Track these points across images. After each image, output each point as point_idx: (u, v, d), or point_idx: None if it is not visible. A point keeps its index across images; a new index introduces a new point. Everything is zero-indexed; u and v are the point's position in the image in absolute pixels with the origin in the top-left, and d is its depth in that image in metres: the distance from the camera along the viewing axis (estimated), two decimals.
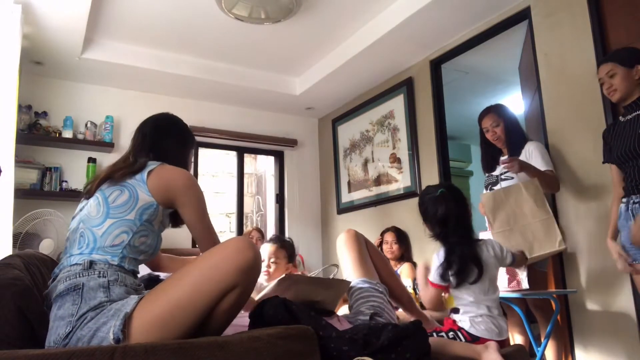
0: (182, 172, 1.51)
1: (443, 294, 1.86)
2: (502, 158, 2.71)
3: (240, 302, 1.27)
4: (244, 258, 1.22)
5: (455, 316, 1.80)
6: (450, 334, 1.75)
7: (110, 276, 1.27)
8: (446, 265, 1.78)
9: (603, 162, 2.19)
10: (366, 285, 1.82)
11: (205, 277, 1.21)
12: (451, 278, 1.77)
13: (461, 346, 1.65)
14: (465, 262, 1.76)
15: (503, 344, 1.76)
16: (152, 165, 1.49)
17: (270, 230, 5.13)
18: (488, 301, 1.77)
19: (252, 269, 1.24)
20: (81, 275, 1.26)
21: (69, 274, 1.28)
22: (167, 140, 1.63)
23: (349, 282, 1.82)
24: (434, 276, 1.83)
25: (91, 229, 1.37)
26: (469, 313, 1.77)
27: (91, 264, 1.28)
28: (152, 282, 1.57)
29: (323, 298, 1.64)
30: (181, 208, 1.47)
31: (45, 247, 3.20)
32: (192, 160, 1.75)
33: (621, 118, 2.08)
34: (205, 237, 1.48)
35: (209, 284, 1.20)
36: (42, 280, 1.46)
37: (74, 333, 1.17)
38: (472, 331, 1.73)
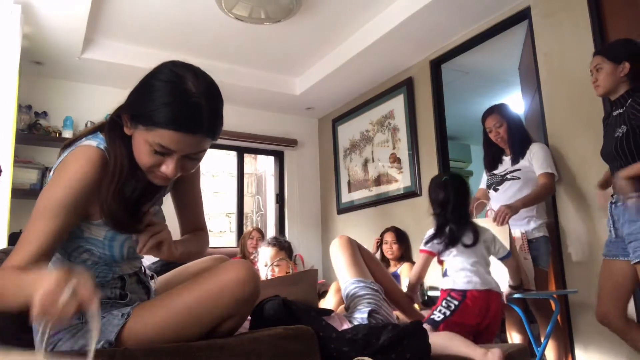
0: (74, 154, 1.05)
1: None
2: (489, 210, 2.70)
3: (235, 328, 1.18)
4: (245, 290, 1.09)
5: (446, 280, 2.06)
6: (444, 303, 1.97)
7: None
8: (434, 234, 2.08)
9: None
10: (361, 284, 1.83)
11: (201, 309, 1.07)
12: (439, 246, 2.07)
13: (465, 346, 1.66)
14: (458, 228, 2.04)
15: (496, 296, 2.01)
16: (74, 145, 1.09)
17: (270, 230, 5.13)
18: (474, 264, 2.02)
19: (252, 300, 1.14)
20: None
21: None
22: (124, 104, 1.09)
23: (316, 270, 1.85)
24: (422, 244, 2.13)
25: None
26: (454, 274, 2.02)
27: None
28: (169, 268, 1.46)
29: (295, 296, 1.61)
30: None
31: None
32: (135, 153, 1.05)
33: (614, 111, 2.06)
34: (18, 244, 0.98)
35: (206, 315, 1.08)
36: None
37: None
38: (456, 286, 1.98)
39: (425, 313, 2.18)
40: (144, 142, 1.01)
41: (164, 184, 1.11)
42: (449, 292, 2.00)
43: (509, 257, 2.13)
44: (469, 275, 1.99)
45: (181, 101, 0.98)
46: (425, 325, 1.80)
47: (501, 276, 2.21)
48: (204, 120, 0.99)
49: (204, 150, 1.05)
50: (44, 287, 0.81)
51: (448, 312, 1.94)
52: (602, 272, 2.09)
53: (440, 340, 1.66)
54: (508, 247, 2.27)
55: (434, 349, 1.47)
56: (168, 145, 0.99)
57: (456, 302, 1.94)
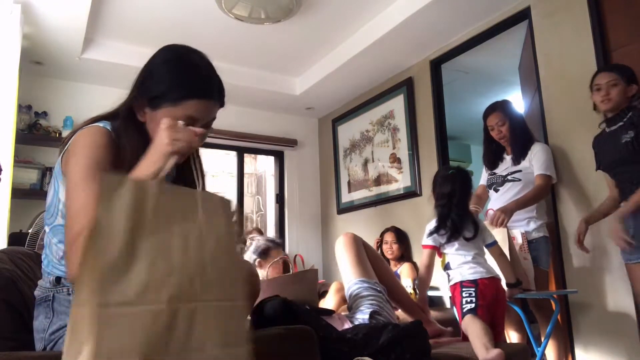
0: (82, 132, 1.08)
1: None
2: (489, 210, 2.69)
3: None
4: (245, 289, 1.09)
5: (450, 274, 2.11)
6: (464, 294, 1.99)
7: None
8: (437, 227, 2.12)
9: (596, 170, 2.33)
10: (365, 284, 1.83)
11: None
12: (441, 238, 2.11)
13: (479, 345, 1.73)
14: (460, 220, 2.10)
15: (500, 282, 2.09)
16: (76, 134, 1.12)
17: (271, 231, 5.13)
18: (475, 257, 2.09)
19: (252, 299, 1.15)
20: (50, 289, 1.13)
21: (42, 283, 1.16)
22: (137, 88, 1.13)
23: (316, 270, 1.85)
24: (425, 239, 2.16)
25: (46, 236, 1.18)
26: (458, 268, 2.07)
27: (58, 280, 1.12)
28: None
29: (295, 296, 1.60)
30: None
31: None
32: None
33: (606, 129, 2.21)
34: (68, 221, 0.98)
35: None
36: (31, 271, 1.39)
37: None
38: (465, 278, 2.03)
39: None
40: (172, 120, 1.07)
41: (184, 159, 1.09)
42: (461, 284, 2.04)
43: (494, 245, 2.20)
44: (474, 267, 2.06)
45: (196, 73, 1.12)
46: (468, 316, 1.91)
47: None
48: (215, 87, 1.12)
49: (215, 118, 1.15)
50: (162, 130, 0.96)
51: (474, 299, 1.97)
52: (631, 278, 2.13)
53: (475, 329, 1.80)
54: (507, 249, 2.31)
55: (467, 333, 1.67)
56: (194, 114, 1.07)
57: (473, 289, 2.00)
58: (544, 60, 2.89)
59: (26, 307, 1.21)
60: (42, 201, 4.00)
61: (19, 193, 3.28)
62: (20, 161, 3.44)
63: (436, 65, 3.76)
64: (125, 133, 1.10)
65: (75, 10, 2.98)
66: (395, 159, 4.11)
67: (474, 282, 2.02)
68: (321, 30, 3.62)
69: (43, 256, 1.18)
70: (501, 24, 3.18)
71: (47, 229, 1.15)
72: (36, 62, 3.63)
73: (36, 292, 1.16)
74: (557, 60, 2.81)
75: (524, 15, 3.02)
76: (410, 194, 3.89)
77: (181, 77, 1.08)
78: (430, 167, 3.74)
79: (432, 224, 2.17)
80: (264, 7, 3.13)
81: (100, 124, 1.11)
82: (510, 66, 3.92)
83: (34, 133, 3.65)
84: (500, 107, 2.73)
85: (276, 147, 5.01)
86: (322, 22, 3.49)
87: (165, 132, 0.95)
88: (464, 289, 2.01)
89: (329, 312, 1.70)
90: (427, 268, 2.18)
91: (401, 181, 4.03)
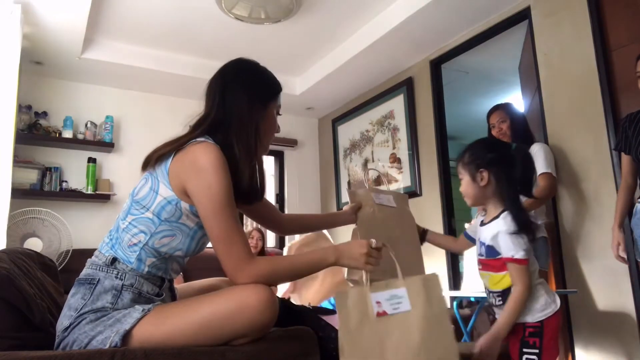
0: (202, 149, 1.18)
1: None
2: None
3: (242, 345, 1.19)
4: (264, 316, 1.09)
5: (543, 299, 1.41)
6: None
7: (127, 280, 1.17)
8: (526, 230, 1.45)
9: (614, 149, 2.20)
10: None
11: (216, 323, 1.09)
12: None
13: None
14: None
15: None
16: (189, 144, 1.21)
17: (270, 231, 5.12)
18: None
19: (268, 326, 1.13)
20: (101, 269, 1.18)
21: (94, 260, 1.21)
22: (229, 98, 1.31)
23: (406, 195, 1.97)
24: (522, 250, 1.41)
25: (118, 220, 1.25)
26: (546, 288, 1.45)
27: (113, 261, 1.18)
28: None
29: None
30: (192, 199, 1.17)
31: (31, 245, 3.16)
32: (269, 128, 1.40)
33: None
34: (220, 247, 1.14)
35: (219, 330, 1.10)
36: (31, 270, 1.39)
37: (71, 330, 1.13)
38: (559, 306, 1.41)
39: None
40: (273, 114, 1.40)
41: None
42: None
43: None
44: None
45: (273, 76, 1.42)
46: None
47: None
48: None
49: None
50: (362, 253, 1.20)
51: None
52: None
53: None
54: None
55: None
56: (281, 104, 1.45)
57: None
58: (544, 60, 2.89)
59: (26, 304, 1.21)
60: (42, 201, 4.00)
61: (18, 193, 3.28)
62: (20, 161, 3.44)
63: (436, 65, 3.75)
64: (238, 141, 1.28)
65: (75, 10, 2.98)
66: (395, 159, 4.11)
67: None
68: (321, 30, 3.62)
69: (108, 237, 1.25)
70: (501, 24, 3.18)
71: (127, 216, 1.22)
72: (36, 62, 3.62)
73: (84, 272, 1.20)
74: (557, 60, 2.81)
75: (524, 15, 3.02)
76: (410, 194, 3.88)
77: (270, 77, 1.41)
78: (430, 167, 3.74)
79: (507, 228, 1.45)
80: (264, 7, 3.13)
81: (210, 141, 1.22)
82: (510, 66, 3.92)
83: (34, 133, 3.65)
84: (502, 107, 2.82)
85: (276, 147, 5.01)
86: (322, 22, 3.49)
87: (364, 257, 1.19)
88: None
89: (330, 312, 1.70)
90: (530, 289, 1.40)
91: (401, 181, 4.03)
